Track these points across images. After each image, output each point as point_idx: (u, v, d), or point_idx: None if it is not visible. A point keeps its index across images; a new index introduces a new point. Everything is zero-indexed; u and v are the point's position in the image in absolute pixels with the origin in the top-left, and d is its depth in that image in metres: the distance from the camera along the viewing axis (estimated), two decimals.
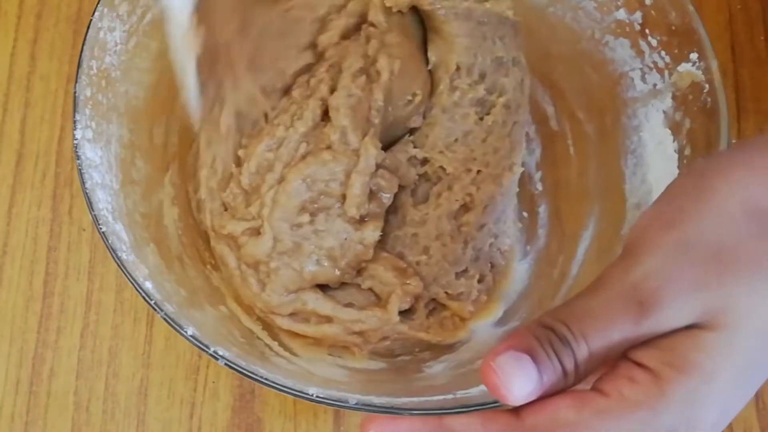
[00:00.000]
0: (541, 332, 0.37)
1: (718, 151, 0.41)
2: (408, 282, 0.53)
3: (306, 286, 0.53)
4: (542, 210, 0.59)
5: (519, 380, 0.36)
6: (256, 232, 0.52)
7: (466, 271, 0.56)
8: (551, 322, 0.37)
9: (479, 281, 0.56)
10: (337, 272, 0.53)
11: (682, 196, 0.38)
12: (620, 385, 0.36)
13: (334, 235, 0.52)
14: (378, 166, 0.53)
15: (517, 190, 0.57)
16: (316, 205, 0.53)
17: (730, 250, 0.36)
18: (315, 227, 0.53)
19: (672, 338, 0.36)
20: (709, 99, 0.50)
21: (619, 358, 0.37)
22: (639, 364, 0.36)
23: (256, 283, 0.53)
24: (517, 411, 0.38)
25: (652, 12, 0.53)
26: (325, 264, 0.52)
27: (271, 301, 0.52)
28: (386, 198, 0.54)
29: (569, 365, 0.36)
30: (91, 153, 0.49)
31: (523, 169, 0.57)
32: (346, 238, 0.53)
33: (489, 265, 0.57)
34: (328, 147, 0.53)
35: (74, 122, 0.48)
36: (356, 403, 0.42)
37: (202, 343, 0.44)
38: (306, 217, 0.52)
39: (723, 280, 0.36)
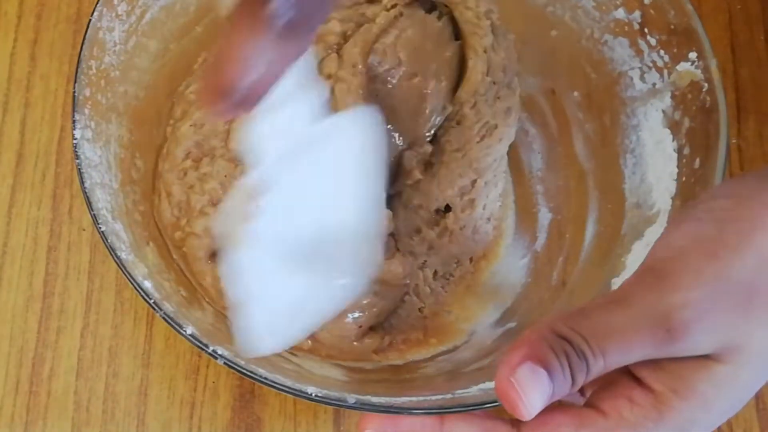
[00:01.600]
0: (556, 343, 0.36)
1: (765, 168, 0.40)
2: None
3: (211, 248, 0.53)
4: (541, 210, 0.59)
5: (536, 396, 0.35)
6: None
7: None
8: (569, 333, 0.36)
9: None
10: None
11: (727, 225, 0.37)
12: (619, 405, 0.36)
13: (215, 177, 0.53)
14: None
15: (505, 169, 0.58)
16: (201, 150, 0.53)
17: (762, 292, 0.36)
18: (199, 172, 0.53)
19: (683, 365, 0.36)
20: (708, 98, 0.50)
21: (620, 371, 0.37)
22: (641, 383, 0.37)
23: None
24: (517, 425, 0.38)
25: (651, 11, 0.53)
26: (209, 212, 0.52)
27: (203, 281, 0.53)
28: None
29: (581, 380, 0.36)
30: (90, 152, 0.49)
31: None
32: (226, 176, 0.53)
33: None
34: None
35: (73, 122, 0.48)
36: (355, 403, 0.42)
37: (202, 342, 0.44)
38: (189, 163, 0.53)
39: (748, 321, 0.36)
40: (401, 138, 0.55)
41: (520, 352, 0.36)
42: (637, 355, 0.36)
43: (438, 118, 0.56)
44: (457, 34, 0.57)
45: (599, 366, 0.35)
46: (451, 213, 0.56)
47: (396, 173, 0.56)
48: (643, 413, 0.36)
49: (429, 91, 0.55)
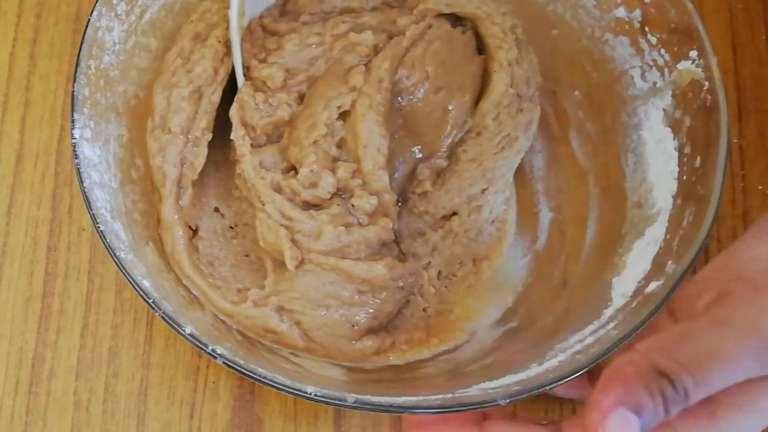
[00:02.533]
0: (654, 382, 0.34)
1: None
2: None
3: None
4: (542, 209, 0.59)
5: None
6: None
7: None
8: (672, 369, 0.34)
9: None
10: None
11: None
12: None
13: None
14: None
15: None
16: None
17: None
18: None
19: None
20: (708, 97, 0.50)
21: None
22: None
23: None
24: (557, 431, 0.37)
25: (652, 10, 0.53)
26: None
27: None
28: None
29: (675, 412, 0.35)
30: (89, 152, 0.49)
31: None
32: None
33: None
34: None
35: (72, 121, 0.48)
36: (355, 402, 0.42)
37: (201, 342, 0.44)
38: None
39: None
40: (420, 151, 0.56)
41: (613, 393, 0.34)
42: (740, 377, 0.35)
43: (458, 134, 0.56)
44: (480, 48, 0.58)
45: (700, 395, 0.34)
46: (456, 217, 0.56)
47: (406, 180, 0.56)
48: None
49: (452, 106, 0.56)
